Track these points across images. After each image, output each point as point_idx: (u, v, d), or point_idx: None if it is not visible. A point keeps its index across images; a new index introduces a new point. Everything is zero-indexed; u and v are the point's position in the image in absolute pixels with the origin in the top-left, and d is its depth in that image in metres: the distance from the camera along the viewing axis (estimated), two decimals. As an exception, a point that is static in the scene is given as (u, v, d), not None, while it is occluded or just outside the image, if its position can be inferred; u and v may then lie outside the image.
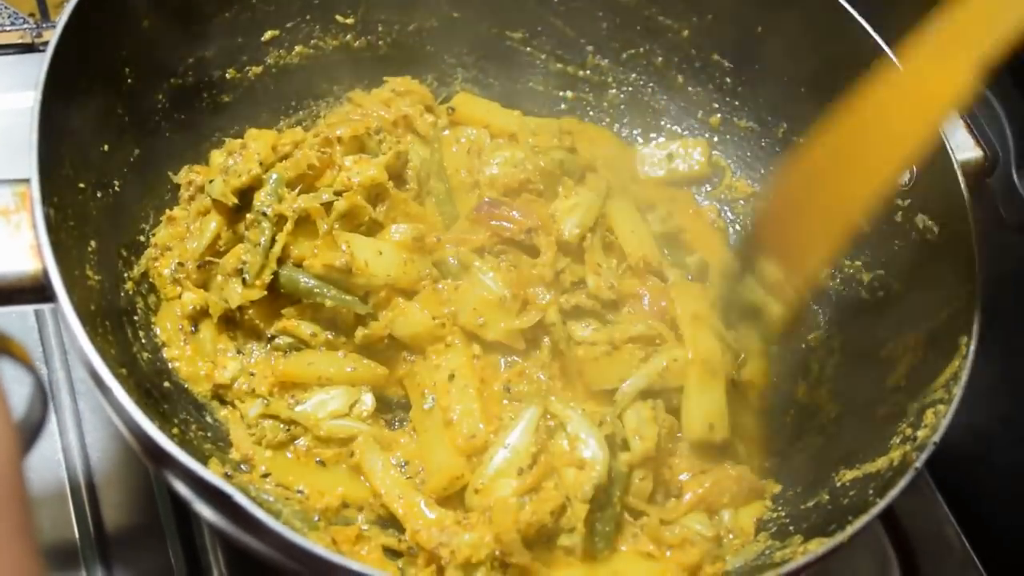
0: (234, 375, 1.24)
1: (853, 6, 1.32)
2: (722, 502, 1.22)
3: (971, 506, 1.47)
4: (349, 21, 1.50)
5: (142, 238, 1.29)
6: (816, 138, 1.08)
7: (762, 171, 1.56)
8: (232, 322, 1.27)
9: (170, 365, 1.24)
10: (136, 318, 1.23)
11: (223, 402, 1.24)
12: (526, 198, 1.37)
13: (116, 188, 1.22)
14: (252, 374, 1.24)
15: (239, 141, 1.32)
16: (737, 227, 1.57)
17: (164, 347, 1.25)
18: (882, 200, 1.02)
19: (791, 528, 1.17)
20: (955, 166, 1.21)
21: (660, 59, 1.57)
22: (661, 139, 1.61)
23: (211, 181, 1.26)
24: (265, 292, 1.23)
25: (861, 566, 1.39)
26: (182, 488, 0.95)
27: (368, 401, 1.23)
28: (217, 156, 1.35)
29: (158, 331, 1.25)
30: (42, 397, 0.90)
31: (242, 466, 1.18)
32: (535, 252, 1.31)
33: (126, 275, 1.24)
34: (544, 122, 1.55)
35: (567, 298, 1.29)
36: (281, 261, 1.23)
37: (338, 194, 1.25)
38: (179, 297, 1.27)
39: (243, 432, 1.20)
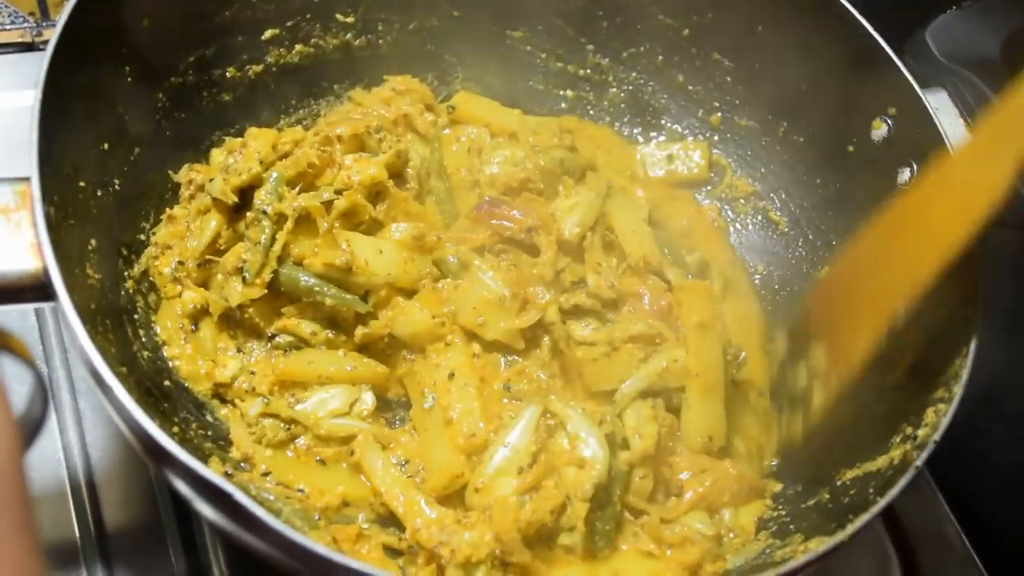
0: (234, 374, 1.24)
1: (854, 5, 1.33)
2: (722, 501, 1.22)
3: (971, 505, 1.47)
4: (349, 20, 1.50)
5: (142, 237, 1.29)
6: (867, 230, 1.13)
7: (762, 170, 1.56)
8: (232, 321, 1.27)
9: (170, 364, 1.24)
10: (136, 317, 1.23)
11: (223, 401, 1.24)
12: (526, 197, 1.37)
13: (116, 187, 1.22)
14: (252, 373, 1.24)
15: (239, 140, 1.32)
16: (738, 226, 1.57)
17: (164, 346, 1.25)
18: (921, 294, 1.06)
19: (792, 527, 1.17)
20: (955, 165, 1.21)
21: (660, 58, 1.57)
22: (662, 138, 1.61)
23: (211, 180, 1.26)
24: (265, 291, 1.22)
25: (862, 564, 1.39)
26: (182, 487, 0.95)
27: (368, 400, 1.23)
28: (217, 155, 1.35)
29: (158, 330, 1.25)
30: (42, 394, 0.90)
31: (242, 465, 1.18)
32: (535, 251, 1.31)
33: (126, 274, 1.24)
34: (544, 121, 1.55)
35: (567, 297, 1.29)
36: (281, 260, 1.23)
37: (338, 193, 1.24)
38: (179, 296, 1.27)
39: (243, 431, 1.20)
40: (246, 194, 1.25)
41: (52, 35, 1.08)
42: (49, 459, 1.27)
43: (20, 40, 1.62)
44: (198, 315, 1.27)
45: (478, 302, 1.25)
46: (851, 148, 1.39)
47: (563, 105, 1.63)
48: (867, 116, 1.35)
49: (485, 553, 1.06)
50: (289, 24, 1.45)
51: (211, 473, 0.89)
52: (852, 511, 1.04)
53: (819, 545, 1.01)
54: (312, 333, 1.24)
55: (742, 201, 1.57)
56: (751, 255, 1.55)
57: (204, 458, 1.12)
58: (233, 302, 1.23)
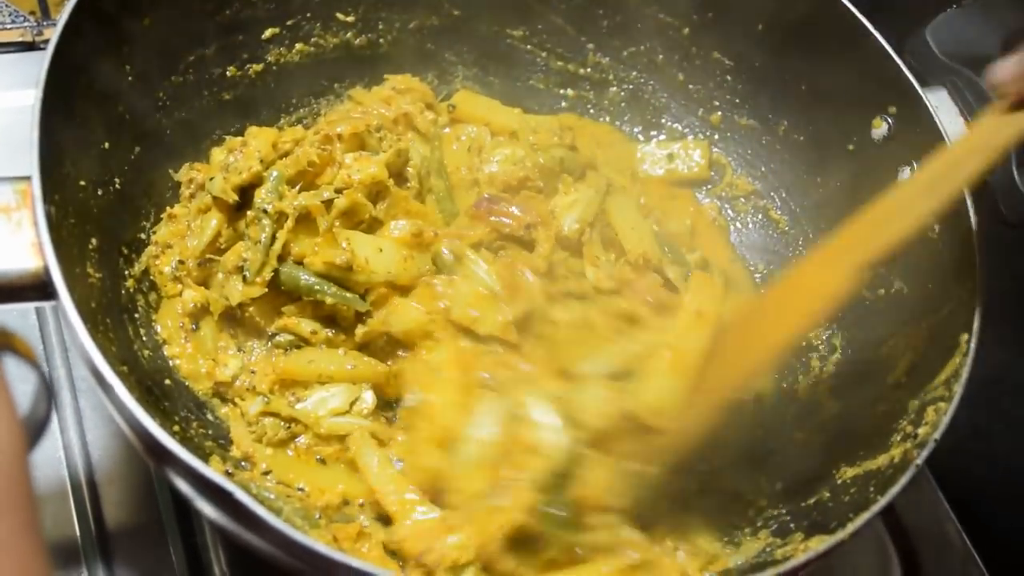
0: (235, 373, 1.24)
1: (854, 3, 1.33)
2: None
3: (972, 503, 1.47)
4: (350, 19, 1.50)
5: (143, 236, 1.29)
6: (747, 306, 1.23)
7: (763, 169, 1.56)
8: (233, 320, 1.27)
9: (171, 363, 1.24)
10: (137, 316, 1.23)
11: (224, 400, 1.24)
12: (525, 195, 1.37)
13: (117, 186, 1.22)
14: (253, 372, 1.24)
15: (240, 139, 1.32)
16: (738, 224, 1.57)
17: (165, 345, 1.25)
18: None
19: (792, 526, 1.17)
20: (956, 164, 1.21)
21: (661, 57, 1.57)
22: (662, 137, 1.61)
23: (212, 178, 1.26)
24: (266, 289, 1.22)
25: (862, 563, 1.39)
26: (183, 486, 0.95)
27: (368, 398, 1.23)
28: (218, 154, 1.35)
29: (159, 329, 1.25)
30: (46, 394, 0.90)
31: (243, 464, 1.18)
32: (534, 248, 1.30)
33: (127, 273, 1.24)
34: (545, 119, 1.54)
35: (560, 286, 1.27)
36: (282, 259, 1.23)
37: (339, 192, 1.25)
38: (180, 295, 1.27)
39: (244, 429, 1.20)
40: (246, 193, 1.26)
41: (53, 34, 1.08)
42: (50, 458, 1.27)
43: (21, 39, 1.61)
44: (199, 314, 1.27)
45: (472, 297, 1.24)
46: (851, 147, 1.39)
47: (563, 104, 1.63)
48: (867, 115, 1.35)
49: (471, 557, 1.05)
50: (290, 23, 1.45)
51: (212, 472, 0.89)
52: (852, 509, 1.04)
53: (820, 544, 1.01)
54: (312, 332, 1.24)
55: (742, 200, 1.57)
56: (751, 254, 1.55)
57: (205, 457, 1.12)
58: (233, 301, 1.23)
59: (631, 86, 1.61)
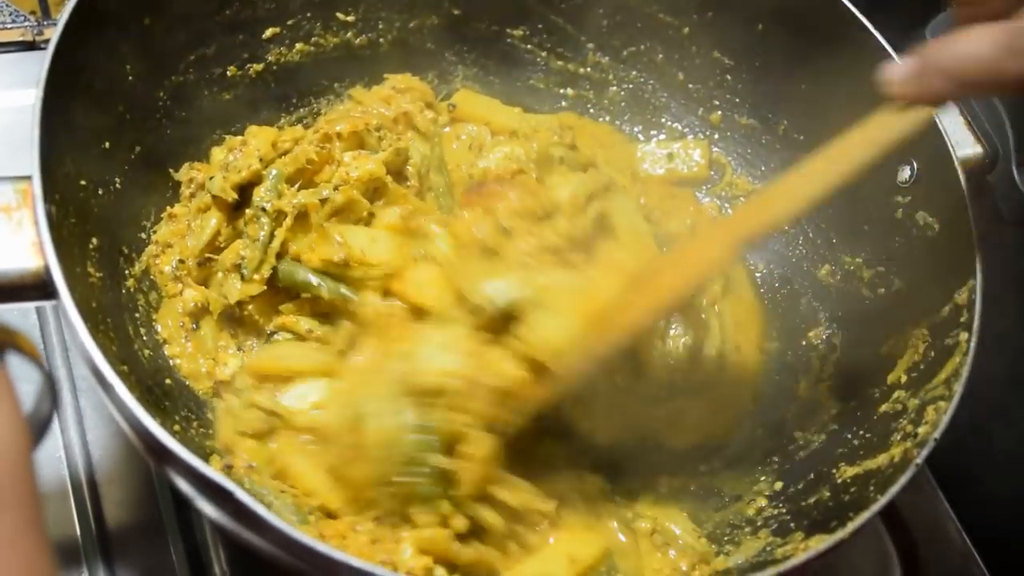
0: (235, 372, 1.24)
1: (854, 2, 1.33)
2: None
3: (972, 503, 1.47)
4: (350, 18, 1.50)
5: (143, 235, 1.29)
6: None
7: (763, 168, 1.56)
8: (233, 319, 1.27)
9: (171, 362, 1.24)
10: (137, 315, 1.23)
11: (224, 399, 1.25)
12: (520, 179, 1.35)
13: (117, 185, 1.22)
14: (252, 371, 1.24)
15: (240, 138, 1.32)
16: (738, 224, 1.57)
17: (165, 344, 1.25)
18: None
19: (792, 525, 1.17)
20: (955, 163, 1.21)
21: (661, 56, 1.57)
22: (662, 136, 1.61)
23: (211, 178, 1.26)
24: (264, 287, 1.23)
25: (862, 562, 1.39)
26: (184, 485, 0.95)
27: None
28: (218, 153, 1.35)
29: (159, 328, 1.25)
30: (50, 393, 0.90)
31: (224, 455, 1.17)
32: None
33: (127, 272, 1.24)
34: (545, 119, 1.54)
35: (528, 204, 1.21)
36: (280, 257, 1.23)
37: (336, 189, 1.24)
38: (180, 294, 1.27)
39: (228, 421, 1.19)
40: (246, 192, 1.26)
41: (53, 34, 1.08)
42: (50, 457, 1.27)
43: (21, 39, 1.61)
44: (199, 313, 1.27)
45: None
46: (851, 146, 1.39)
47: (563, 103, 1.63)
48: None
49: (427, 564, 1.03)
50: (290, 23, 1.45)
51: (212, 471, 0.89)
52: (853, 508, 1.04)
53: (820, 543, 1.01)
54: (308, 330, 1.24)
55: (742, 199, 1.57)
56: (751, 253, 1.55)
57: (205, 456, 1.12)
58: (232, 299, 1.23)
59: (631, 86, 1.61)
